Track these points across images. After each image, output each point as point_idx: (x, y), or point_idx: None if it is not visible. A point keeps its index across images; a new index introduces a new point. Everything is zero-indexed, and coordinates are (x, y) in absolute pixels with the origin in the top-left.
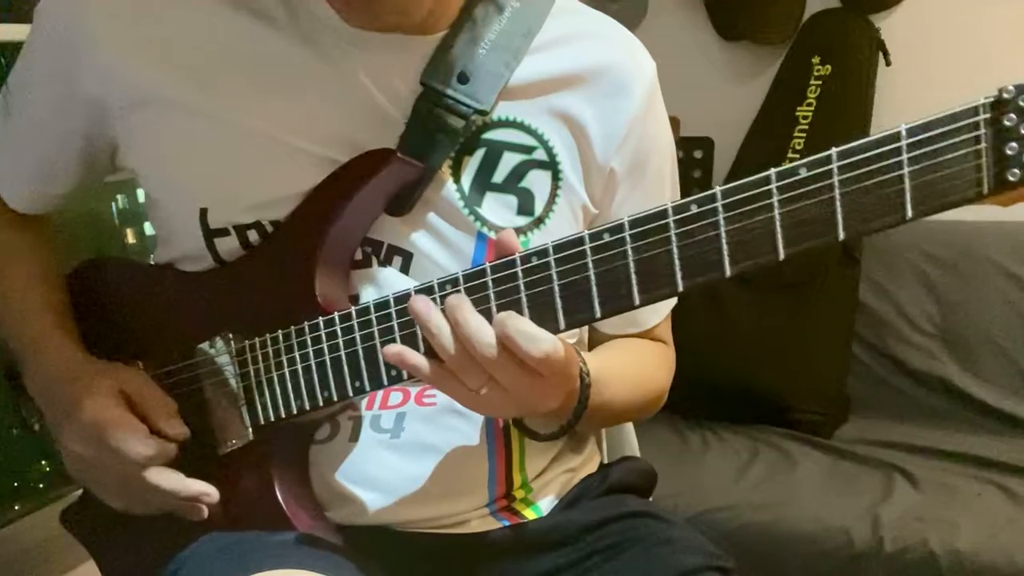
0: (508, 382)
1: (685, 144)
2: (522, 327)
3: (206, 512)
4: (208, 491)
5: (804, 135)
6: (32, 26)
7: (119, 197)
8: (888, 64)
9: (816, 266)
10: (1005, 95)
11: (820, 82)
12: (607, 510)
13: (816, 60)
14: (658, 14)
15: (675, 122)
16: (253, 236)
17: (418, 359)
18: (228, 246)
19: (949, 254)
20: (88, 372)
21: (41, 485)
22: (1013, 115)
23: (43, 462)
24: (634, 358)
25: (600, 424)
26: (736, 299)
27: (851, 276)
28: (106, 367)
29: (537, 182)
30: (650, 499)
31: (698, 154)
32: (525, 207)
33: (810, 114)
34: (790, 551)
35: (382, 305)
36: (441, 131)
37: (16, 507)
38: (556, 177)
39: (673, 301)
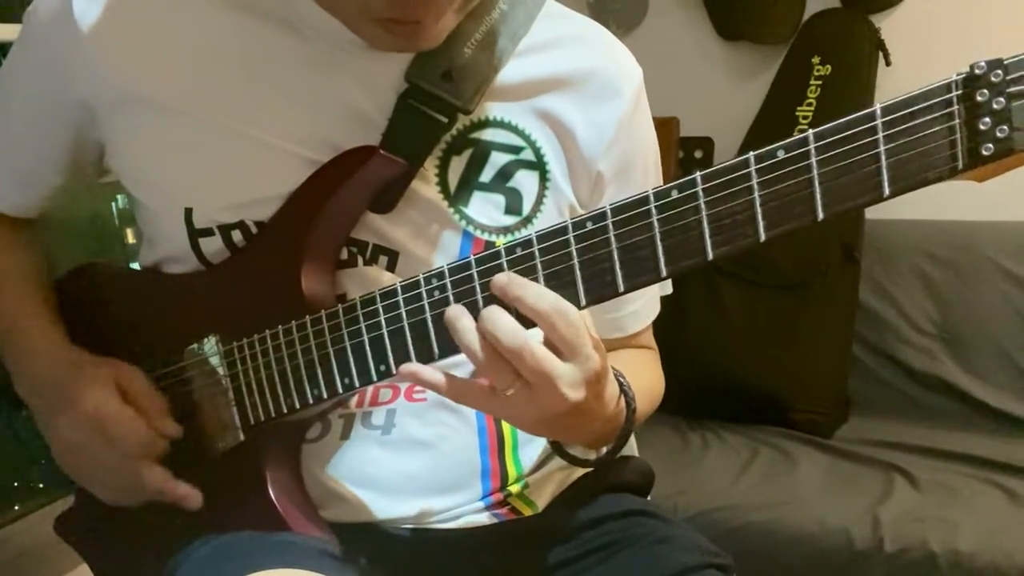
0: (530, 373)
1: (685, 144)
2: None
3: (197, 504)
4: (191, 494)
5: None
6: (22, 27)
7: (119, 197)
8: (888, 64)
9: (816, 266)
10: (977, 71)
11: (820, 82)
12: (605, 508)
13: (816, 60)
14: (658, 14)
15: (675, 122)
16: (237, 236)
17: (435, 376)
18: (213, 247)
19: (949, 254)
20: (82, 363)
21: (41, 485)
22: (985, 90)
23: (43, 462)
24: (641, 370)
25: None
26: (736, 299)
27: (851, 276)
28: (100, 358)
29: (525, 182)
30: (648, 498)
31: (698, 154)
32: (513, 207)
33: (810, 114)
34: (790, 551)
35: (368, 301)
36: (424, 128)
37: (16, 507)
38: (544, 177)
39: (656, 309)
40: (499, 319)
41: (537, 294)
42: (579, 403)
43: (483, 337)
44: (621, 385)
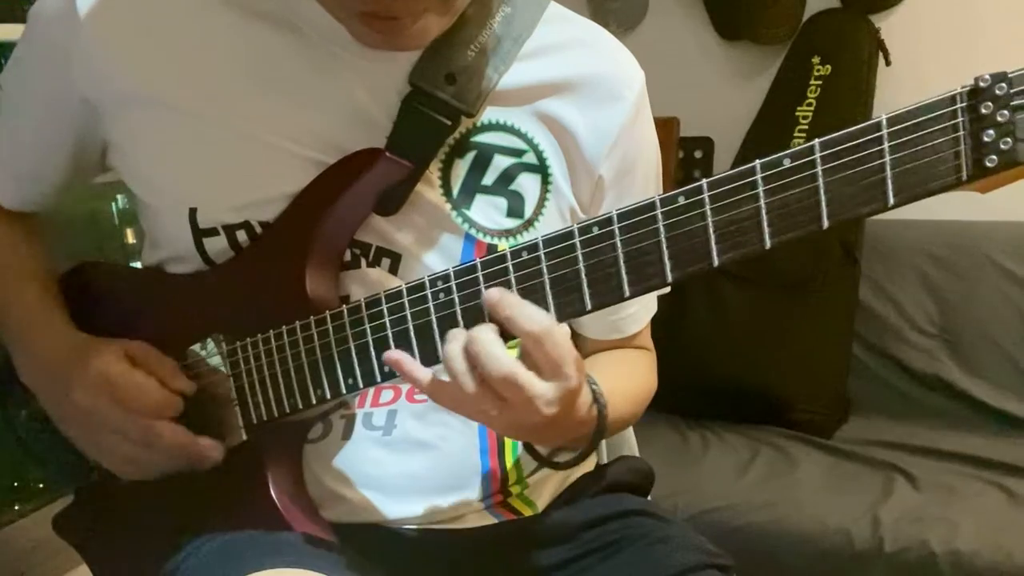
0: (510, 394)
1: (685, 144)
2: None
3: (209, 464)
4: (213, 446)
5: (804, 135)
6: (26, 26)
7: (119, 197)
8: (888, 64)
9: (816, 266)
10: (981, 83)
11: (820, 82)
12: (604, 508)
13: (816, 60)
14: (658, 14)
15: (675, 122)
16: (242, 236)
17: (415, 370)
18: (217, 247)
19: (949, 254)
20: (89, 341)
21: (41, 485)
22: (990, 103)
23: (44, 463)
24: (629, 370)
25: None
26: (736, 299)
27: (851, 276)
28: (106, 338)
29: (527, 185)
30: (648, 498)
31: (698, 154)
32: (515, 209)
33: (810, 114)
34: (790, 551)
35: (374, 303)
36: (428, 131)
37: (16, 507)
38: (546, 180)
39: (653, 310)
40: (487, 348)
41: (528, 316)
42: (553, 416)
43: (469, 362)
44: (594, 392)
